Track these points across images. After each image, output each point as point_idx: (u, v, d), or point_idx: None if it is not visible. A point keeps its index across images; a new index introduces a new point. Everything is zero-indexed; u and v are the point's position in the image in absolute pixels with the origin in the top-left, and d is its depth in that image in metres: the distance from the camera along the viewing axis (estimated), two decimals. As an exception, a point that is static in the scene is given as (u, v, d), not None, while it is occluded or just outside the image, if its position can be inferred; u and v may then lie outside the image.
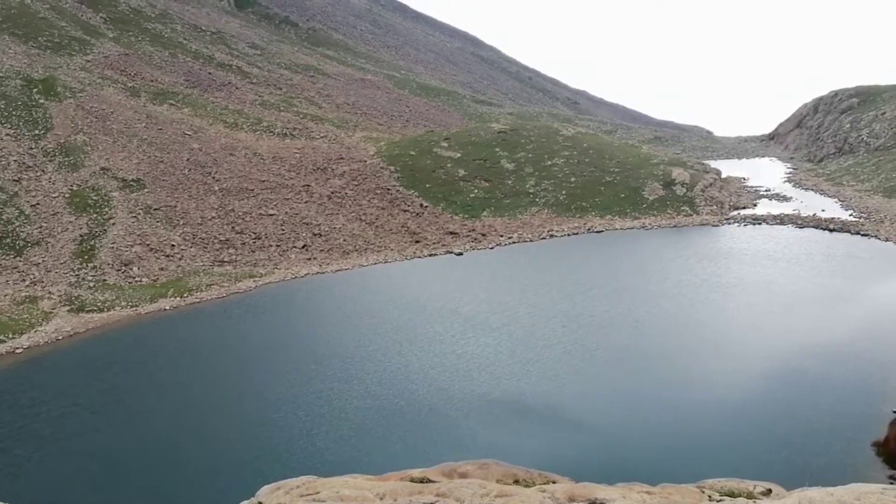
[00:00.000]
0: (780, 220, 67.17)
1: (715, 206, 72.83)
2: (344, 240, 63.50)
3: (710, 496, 8.85)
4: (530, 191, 76.77)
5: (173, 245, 56.45)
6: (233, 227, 61.09)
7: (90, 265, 51.91)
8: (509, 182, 78.41)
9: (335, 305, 49.60)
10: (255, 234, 61.10)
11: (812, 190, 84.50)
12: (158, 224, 58.29)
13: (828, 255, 54.26)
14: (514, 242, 65.44)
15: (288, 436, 28.21)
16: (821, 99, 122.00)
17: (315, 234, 63.18)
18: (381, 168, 77.66)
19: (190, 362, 38.45)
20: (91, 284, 49.92)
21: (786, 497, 8.56)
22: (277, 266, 57.34)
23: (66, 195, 58.19)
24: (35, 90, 70.32)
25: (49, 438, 29.34)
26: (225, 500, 12.39)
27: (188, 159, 68.44)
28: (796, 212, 69.67)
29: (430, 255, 61.48)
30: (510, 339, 38.82)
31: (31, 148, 62.01)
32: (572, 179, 78.28)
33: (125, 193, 60.41)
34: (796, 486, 9.09)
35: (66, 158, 62.25)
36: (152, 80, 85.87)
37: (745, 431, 26.03)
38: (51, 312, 45.93)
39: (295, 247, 60.89)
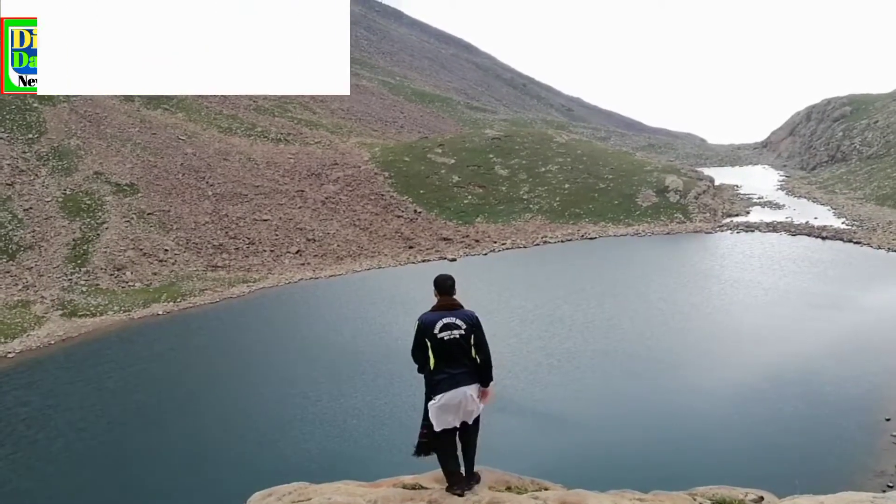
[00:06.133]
0: (773, 227, 67.34)
1: (708, 214, 73.08)
2: (338, 245, 63.44)
3: (701, 503, 8.87)
4: (524, 197, 76.90)
5: (166, 250, 56.32)
6: (226, 232, 60.98)
7: (83, 270, 51.76)
8: (503, 188, 78.55)
9: (328, 310, 49.51)
10: (248, 239, 60.99)
11: (805, 198, 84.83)
12: (152, 229, 58.17)
13: (820, 262, 54.45)
14: (507, 248, 65.50)
15: (279, 441, 28.09)
16: (813, 107, 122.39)
17: (309, 240, 63.11)
18: (376, 174, 77.70)
19: (181, 367, 38.34)
20: (84, 289, 49.76)
21: (776, 504, 8.59)
22: (271, 271, 57.25)
23: (60, 199, 58.03)
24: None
25: (30, 440, 29.20)
26: (217, 507, 12.38)
27: (182, 164, 68.36)
28: (789, 219, 69.89)
29: (424, 261, 61.41)
30: (500, 343, 38.68)
31: (25, 152, 61.85)
32: (566, 186, 78.47)
33: (118, 198, 60.27)
34: (787, 494, 9.12)
35: (60, 162, 62.10)
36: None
37: (737, 439, 26.05)
38: (43, 317, 45.77)
39: (289, 252, 60.81)
